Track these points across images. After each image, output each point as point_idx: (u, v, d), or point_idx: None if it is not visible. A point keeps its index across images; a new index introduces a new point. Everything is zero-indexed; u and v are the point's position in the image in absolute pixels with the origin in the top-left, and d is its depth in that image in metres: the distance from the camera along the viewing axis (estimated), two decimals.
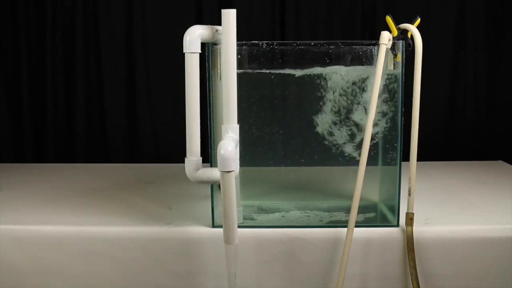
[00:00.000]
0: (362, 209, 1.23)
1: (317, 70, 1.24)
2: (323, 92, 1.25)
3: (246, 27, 2.11)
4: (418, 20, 1.19)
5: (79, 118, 2.18)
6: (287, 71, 1.25)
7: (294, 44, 1.24)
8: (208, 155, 1.21)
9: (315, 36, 2.12)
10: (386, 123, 1.25)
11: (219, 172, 1.02)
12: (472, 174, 1.74)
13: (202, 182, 1.16)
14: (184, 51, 1.11)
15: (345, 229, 1.15)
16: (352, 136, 1.27)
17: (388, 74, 1.23)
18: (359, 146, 1.25)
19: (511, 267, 1.19)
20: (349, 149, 1.27)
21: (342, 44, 1.23)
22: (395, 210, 1.23)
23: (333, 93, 1.25)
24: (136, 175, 1.75)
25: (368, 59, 1.23)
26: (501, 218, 1.26)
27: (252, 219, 1.28)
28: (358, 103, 1.25)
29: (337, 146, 1.27)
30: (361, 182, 1.14)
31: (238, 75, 1.11)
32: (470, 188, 1.56)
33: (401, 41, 1.18)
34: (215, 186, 1.21)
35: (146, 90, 2.19)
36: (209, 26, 1.13)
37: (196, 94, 1.13)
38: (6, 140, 2.21)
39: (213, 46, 1.18)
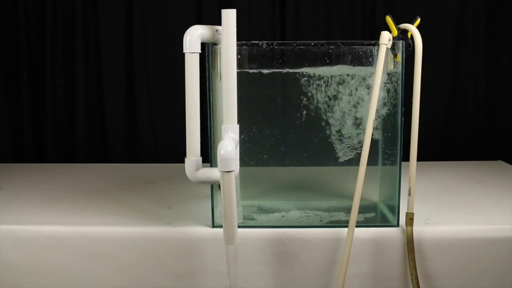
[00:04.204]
0: (362, 209, 1.23)
1: (317, 70, 1.24)
2: (323, 92, 1.25)
3: (246, 27, 2.11)
4: (418, 20, 1.19)
5: (79, 118, 2.18)
6: (287, 71, 1.25)
7: (294, 44, 1.24)
8: (208, 155, 1.21)
9: (315, 36, 2.12)
10: (386, 123, 1.25)
11: (219, 172, 1.02)
12: (472, 174, 1.74)
13: (202, 182, 1.16)
14: (184, 51, 1.11)
15: (345, 229, 1.15)
16: (352, 136, 1.27)
17: (388, 74, 1.23)
18: (359, 146, 1.25)
19: (511, 267, 1.19)
20: (349, 148, 1.27)
21: (342, 44, 1.23)
22: (395, 210, 1.22)
23: (333, 92, 1.25)
24: (136, 175, 1.75)
25: (368, 59, 1.23)
26: (501, 218, 1.26)
27: (252, 219, 1.28)
28: (358, 103, 1.25)
29: (337, 146, 1.27)
30: (361, 182, 1.14)
31: (238, 75, 1.11)
32: (470, 188, 1.56)
33: (401, 41, 1.18)
34: (215, 186, 1.21)
35: (146, 90, 2.19)
36: (209, 26, 1.13)
37: (196, 94, 1.13)
38: (6, 140, 2.21)
39: (213, 46, 1.18)
